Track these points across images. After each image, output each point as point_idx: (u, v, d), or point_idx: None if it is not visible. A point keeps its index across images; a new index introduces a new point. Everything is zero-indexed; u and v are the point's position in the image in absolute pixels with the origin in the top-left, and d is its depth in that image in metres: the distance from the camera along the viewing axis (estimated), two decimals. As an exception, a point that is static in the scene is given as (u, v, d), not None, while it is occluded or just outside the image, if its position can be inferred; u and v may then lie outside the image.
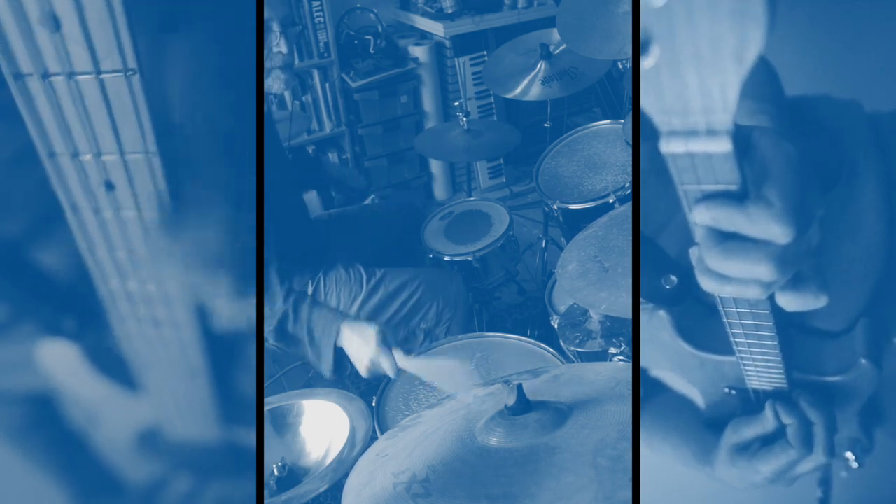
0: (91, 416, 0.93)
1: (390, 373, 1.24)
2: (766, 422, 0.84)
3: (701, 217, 0.48)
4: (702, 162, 0.45)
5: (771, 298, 0.64)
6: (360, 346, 1.28)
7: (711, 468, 0.93)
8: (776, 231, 0.46)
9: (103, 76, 0.44)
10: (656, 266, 0.79)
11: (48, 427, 0.96)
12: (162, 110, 0.49)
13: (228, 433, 0.87)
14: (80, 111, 0.46)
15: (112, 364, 0.77)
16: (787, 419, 0.83)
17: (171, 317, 0.66)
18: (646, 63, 0.39)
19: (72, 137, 0.48)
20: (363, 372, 1.27)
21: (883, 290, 0.80)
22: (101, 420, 0.93)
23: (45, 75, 0.44)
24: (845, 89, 0.74)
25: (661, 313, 0.84)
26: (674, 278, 0.79)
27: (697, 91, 0.40)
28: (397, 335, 1.58)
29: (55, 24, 0.41)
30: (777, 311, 0.67)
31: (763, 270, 0.46)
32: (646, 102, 0.42)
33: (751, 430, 0.86)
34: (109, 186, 0.51)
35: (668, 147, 0.44)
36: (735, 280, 0.49)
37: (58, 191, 0.52)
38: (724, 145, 0.43)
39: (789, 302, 0.53)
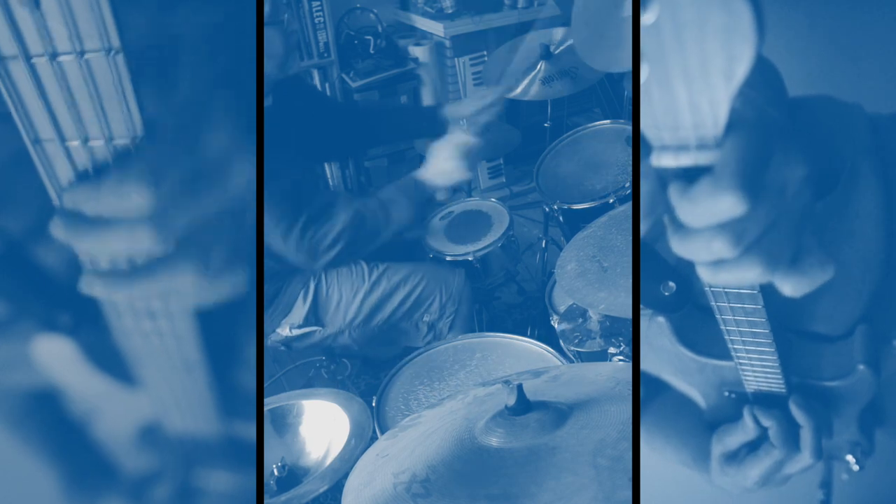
0: (89, 412, 0.93)
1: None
2: (747, 428, 0.84)
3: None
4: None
5: (767, 304, 0.64)
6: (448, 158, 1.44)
7: (709, 475, 0.93)
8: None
9: (86, 56, 0.43)
10: (655, 272, 0.79)
11: (46, 423, 0.96)
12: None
13: (228, 428, 0.87)
14: (65, 94, 0.45)
15: (109, 359, 0.77)
16: (766, 422, 0.83)
17: (166, 308, 0.66)
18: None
19: (57, 122, 0.46)
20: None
21: (881, 295, 0.80)
22: (100, 415, 0.93)
23: (28, 57, 0.43)
24: (846, 91, 0.74)
25: (660, 319, 0.84)
26: (672, 284, 0.79)
27: (687, 106, 0.40)
28: (401, 328, 1.59)
29: (34, 1, 0.40)
30: (773, 316, 0.67)
31: (728, 204, 0.44)
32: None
33: (735, 439, 0.87)
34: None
35: (658, 161, 0.44)
36: (702, 233, 0.47)
37: (46, 181, 0.51)
38: (714, 159, 0.43)
39: (796, 285, 0.51)
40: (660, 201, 0.48)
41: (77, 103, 0.45)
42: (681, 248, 0.47)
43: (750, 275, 0.48)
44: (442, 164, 1.46)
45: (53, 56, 0.43)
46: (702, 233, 0.46)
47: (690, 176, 0.44)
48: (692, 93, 0.39)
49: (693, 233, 0.46)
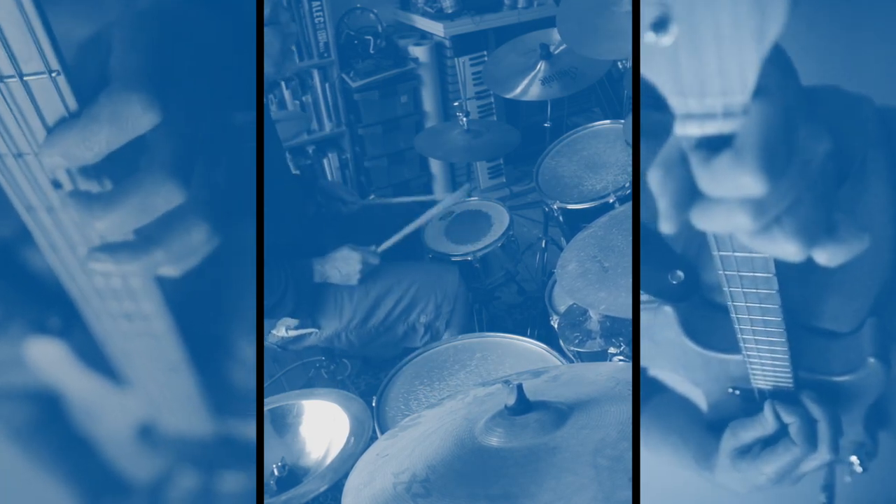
0: (85, 413, 0.93)
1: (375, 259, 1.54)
2: (765, 423, 0.84)
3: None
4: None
5: (781, 294, 0.63)
6: (344, 265, 1.51)
7: (711, 473, 0.92)
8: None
9: (27, 78, 0.46)
10: (662, 261, 0.79)
11: (41, 425, 0.96)
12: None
13: (227, 428, 0.87)
14: (16, 112, 0.47)
15: (100, 360, 0.78)
16: (788, 418, 0.82)
17: (140, 310, 0.67)
18: (664, 41, 0.38)
19: (12, 138, 0.49)
20: (356, 280, 1.51)
21: (891, 290, 0.79)
22: (96, 417, 0.93)
23: None
24: (855, 82, 0.73)
25: (667, 309, 0.83)
26: (680, 273, 0.79)
27: (716, 72, 0.39)
28: (397, 329, 1.59)
29: None
30: (787, 309, 0.66)
31: (748, 183, 0.44)
32: (662, 83, 0.41)
33: (750, 433, 0.86)
34: (57, 185, 0.52)
35: (683, 130, 0.43)
36: (723, 204, 0.47)
37: (9, 192, 0.53)
38: (737, 127, 0.42)
39: (832, 255, 0.50)
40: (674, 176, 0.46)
41: (28, 121, 0.48)
42: (701, 219, 0.46)
43: (778, 246, 0.47)
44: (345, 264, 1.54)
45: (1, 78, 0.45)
46: (723, 204, 0.45)
47: (713, 145, 0.43)
48: (721, 56, 0.38)
49: (714, 203, 0.45)
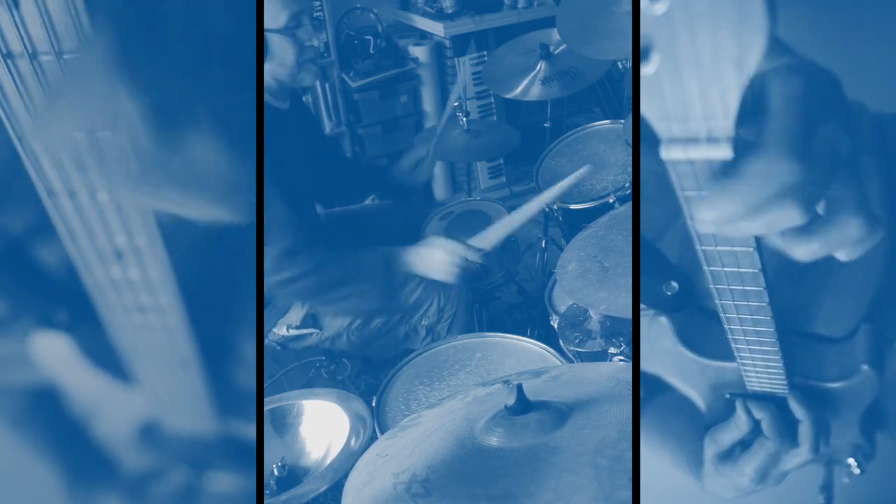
0: (88, 409, 0.93)
1: (477, 257, 1.48)
2: (740, 423, 0.84)
3: (703, 221, 0.47)
4: (702, 168, 0.44)
5: (771, 303, 0.63)
6: (443, 256, 1.47)
7: (702, 481, 0.93)
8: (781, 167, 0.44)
9: (66, 57, 0.45)
10: (657, 272, 0.79)
11: (45, 420, 0.96)
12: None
13: (226, 426, 0.87)
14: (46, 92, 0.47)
15: (105, 356, 0.78)
16: (759, 414, 0.83)
17: (156, 303, 0.66)
18: (646, 70, 0.39)
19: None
20: (451, 276, 1.46)
21: (885, 296, 0.79)
22: (99, 413, 0.93)
23: (9, 55, 0.45)
24: (849, 89, 0.74)
25: (662, 319, 0.84)
26: (675, 284, 0.79)
27: (698, 98, 0.40)
28: (398, 331, 1.59)
29: (14, 2, 0.42)
30: (775, 317, 0.67)
31: (786, 171, 0.43)
32: (646, 109, 0.42)
33: (728, 436, 0.86)
34: (80, 169, 0.51)
35: (668, 154, 0.44)
36: (768, 204, 0.45)
37: (33, 176, 0.53)
38: (724, 152, 0.43)
39: (851, 249, 0.50)
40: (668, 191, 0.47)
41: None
42: (747, 223, 0.46)
43: (830, 240, 0.48)
44: (435, 258, 1.49)
45: (33, 56, 0.45)
46: (768, 204, 0.45)
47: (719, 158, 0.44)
48: (703, 83, 0.39)
49: (759, 207, 0.45)
